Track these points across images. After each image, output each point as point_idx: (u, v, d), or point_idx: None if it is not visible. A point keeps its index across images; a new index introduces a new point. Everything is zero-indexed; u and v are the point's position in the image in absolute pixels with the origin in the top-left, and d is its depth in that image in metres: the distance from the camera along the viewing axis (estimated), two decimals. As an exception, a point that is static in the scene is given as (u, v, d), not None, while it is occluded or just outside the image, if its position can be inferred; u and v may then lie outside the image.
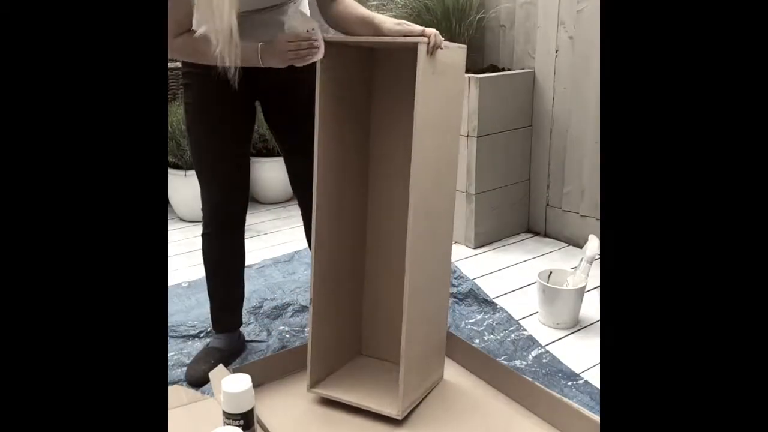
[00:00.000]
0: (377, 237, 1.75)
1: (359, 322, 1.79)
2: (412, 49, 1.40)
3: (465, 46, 1.60)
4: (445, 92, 1.51)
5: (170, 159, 2.94)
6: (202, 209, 1.74)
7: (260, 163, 3.21)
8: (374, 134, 1.72)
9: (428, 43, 1.38)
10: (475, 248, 2.67)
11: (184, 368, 1.79)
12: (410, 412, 1.57)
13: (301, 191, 1.77)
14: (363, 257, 1.77)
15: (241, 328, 1.92)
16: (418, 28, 1.42)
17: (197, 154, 1.68)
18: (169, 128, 2.91)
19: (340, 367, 1.73)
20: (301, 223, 2.92)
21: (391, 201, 1.72)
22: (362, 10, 1.52)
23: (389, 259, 1.74)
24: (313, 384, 1.62)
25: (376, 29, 1.47)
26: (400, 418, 1.49)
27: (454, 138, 1.60)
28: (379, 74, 1.69)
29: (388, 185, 1.72)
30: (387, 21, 1.47)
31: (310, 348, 1.60)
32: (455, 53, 1.55)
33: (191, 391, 1.64)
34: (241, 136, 1.71)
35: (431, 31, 1.40)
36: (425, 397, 1.63)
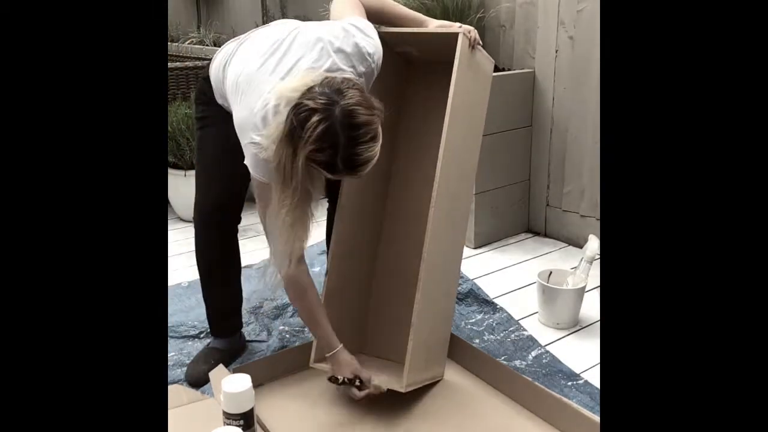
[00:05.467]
0: (392, 235, 1.80)
1: (364, 322, 1.80)
2: (452, 47, 1.51)
3: (493, 60, 1.71)
4: (475, 93, 1.59)
5: (170, 159, 2.94)
6: (195, 213, 1.70)
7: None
8: (401, 142, 1.79)
9: (469, 37, 1.52)
10: (475, 248, 2.67)
11: (184, 368, 1.78)
12: (410, 412, 1.57)
13: (332, 192, 1.79)
14: (374, 257, 1.80)
15: (241, 328, 1.91)
16: (456, 24, 1.58)
17: (205, 152, 1.67)
18: (169, 128, 2.91)
19: None
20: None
21: (409, 199, 1.78)
22: (412, 12, 1.66)
23: (400, 261, 1.77)
24: (317, 360, 1.62)
25: (421, 25, 1.62)
26: (404, 391, 1.50)
27: (476, 143, 1.65)
28: (411, 87, 1.74)
29: (408, 186, 1.79)
30: (432, 21, 1.63)
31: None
32: (487, 62, 1.67)
33: (191, 391, 1.64)
34: None
35: (470, 27, 1.55)
36: (425, 397, 1.63)
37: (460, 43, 1.49)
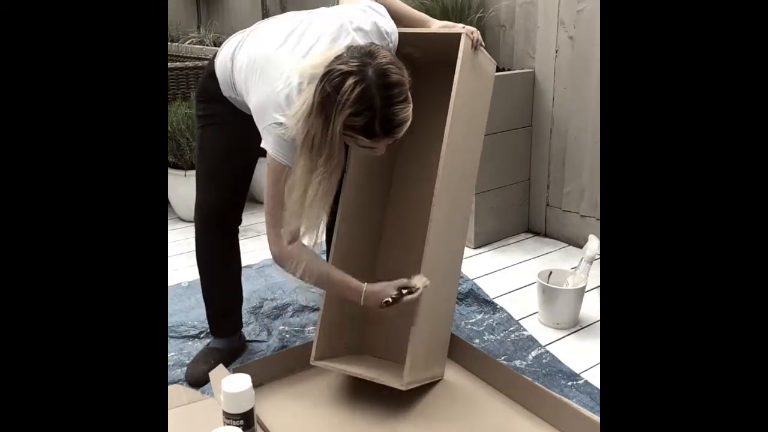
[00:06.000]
0: (393, 236, 1.81)
1: (365, 321, 1.80)
2: (455, 48, 1.50)
3: (495, 62, 1.71)
4: (477, 94, 1.59)
5: (170, 159, 2.94)
6: (196, 212, 1.69)
7: (261, 164, 3.19)
8: (402, 143, 1.77)
9: (472, 38, 1.51)
10: (475, 248, 2.67)
11: (184, 368, 1.78)
12: (410, 412, 1.57)
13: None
14: (375, 257, 1.81)
15: (242, 328, 1.91)
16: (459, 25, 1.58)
17: (204, 154, 1.66)
18: (169, 128, 2.91)
19: (342, 355, 1.74)
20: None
21: (410, 200, 1.78)
22: (416, 12, 1.65)
23: (400, 261, 1.78)
24: (318, 358, 1.62)
25: (425, 26, 1.61)
26: (404, 389, 1.49)
27: (478, 144, 1.65)
28: (412, 88, 1.74)
29: (410, 187, 1.79)
30: (436, 21, 1.62)
31: (320, 323, 1.62)
32: (489, 63, 1.66)
33: (191, 391, 1.64)
34: (252, 139, 1.70)
35: (472, 28, 1.54)
36: (425, 397, 1.63)
37: (463, 44, 1.49)
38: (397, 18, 1.61)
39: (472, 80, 1.55)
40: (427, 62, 1.72)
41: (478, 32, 1.56)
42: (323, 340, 1.63)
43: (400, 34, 1.58)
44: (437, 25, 1.60)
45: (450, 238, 1.61)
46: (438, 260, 1.54)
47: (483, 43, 1.58)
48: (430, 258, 1.48)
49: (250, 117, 1.46)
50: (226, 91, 1.55)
